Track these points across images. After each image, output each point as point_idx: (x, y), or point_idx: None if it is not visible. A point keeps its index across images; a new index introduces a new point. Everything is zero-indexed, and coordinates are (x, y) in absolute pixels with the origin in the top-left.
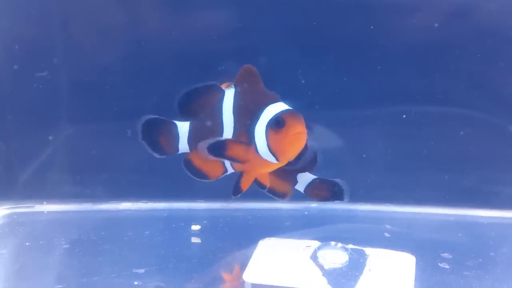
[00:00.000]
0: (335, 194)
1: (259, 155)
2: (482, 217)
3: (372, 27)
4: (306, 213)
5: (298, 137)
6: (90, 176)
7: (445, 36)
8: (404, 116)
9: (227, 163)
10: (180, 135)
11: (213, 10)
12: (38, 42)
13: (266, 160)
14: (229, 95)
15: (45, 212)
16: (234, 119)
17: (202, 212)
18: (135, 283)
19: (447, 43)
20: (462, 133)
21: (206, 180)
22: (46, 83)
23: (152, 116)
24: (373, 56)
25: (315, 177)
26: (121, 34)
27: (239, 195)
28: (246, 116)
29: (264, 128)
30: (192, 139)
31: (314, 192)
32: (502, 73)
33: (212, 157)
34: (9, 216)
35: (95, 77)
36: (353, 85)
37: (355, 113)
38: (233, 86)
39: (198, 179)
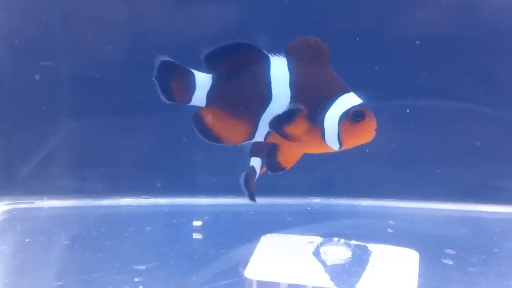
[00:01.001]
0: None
1: (322, 139)
2: (486, 212)
3: (376, 20)
4: (308, 208)
5: (372, 133)
6: (90, 171)
7: (449, 30)
8: (408, 110)
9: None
10: (197, 86)
11: (217, 3)
12: (39, 35)
13: (325, 145)
14: (279, 64)
15: (45, 207)
16: (291, 94)
17: (204, 208)
18: (136, 279)
19: (452, 36)
20: (466, 127)
21: (218, 144)
22: (46, 78)
23: (168, 59)
24: (377, 50)
25: None
26: (123, 28)
27: (281, 173)
28: (311, 97)
29: (338, 116)
30: (215, 94)
31: None
32: (507, 67)
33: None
34: (9, 212)
35: (96, 71)
36: (356, 79)
37: None
38: (284, 54)
39: (207, 140)
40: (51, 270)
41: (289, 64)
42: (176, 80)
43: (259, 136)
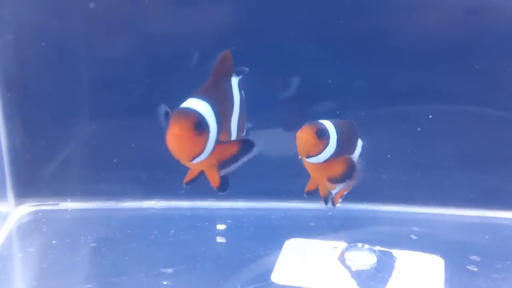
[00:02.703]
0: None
1: None
2: (508, 219)
3: (396, 24)
4: (330, 213)
5: (169, 137)
6: (114, 173)
7: (471, 35)
8: (431, 116)
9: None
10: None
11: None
12: (63, 38)
13: None
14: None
15: (69, 209)
16: None
17: (226, 211)
18: (164, 283)
19: (473, 41)
20: (487, 133)
21: None
22: (70, 80)
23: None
24: (399, 55)
25: None
26: (145, 30)
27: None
28: None
29: None
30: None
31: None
32: None
33: None
34: (34, 213)
35: (120, 73)
36: (379, 84)
37: (380, 112)
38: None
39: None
40: (79, 272)
41: None
42: None
43: None
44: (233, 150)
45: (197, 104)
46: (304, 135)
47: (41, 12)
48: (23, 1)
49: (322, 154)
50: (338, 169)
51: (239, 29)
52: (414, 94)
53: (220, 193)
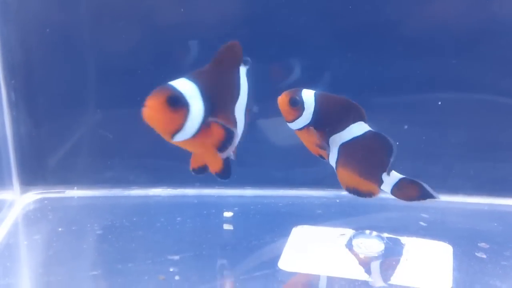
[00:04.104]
0: (424, 193)
1: None
2: None
3: (407, 13)
4: (337, 201)
5: (143, 109)
6: (119, 161)
7: (482, 23)
8: (440, 103)
9: None
10: None
11: None
12: (69, 26)
13: None
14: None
15: (76, 197)
16: None
17: (232, 199)
18: (171, 269)
19: (483, 29)
20: (496, 121)
21: None
22: (76, 68)
23: None
24: (408, 43)
25: (401, 176)
26: (151, 19)
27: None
28: None
29: None
30: None
31: (402, 192)
32: None
33: None
34: (40, 201)
35: (126, 61)
36: (387, 72)
37: (389, 100)
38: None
39: None
40: (85, 259)
41: None
42: None
43: None
44: (219, 133)
45: (181, 83)
46: (280, 100)
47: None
48: None
49: (294, 122)
50: None
51: (247, 19)
52: (424, 82)
53: (220, 180)
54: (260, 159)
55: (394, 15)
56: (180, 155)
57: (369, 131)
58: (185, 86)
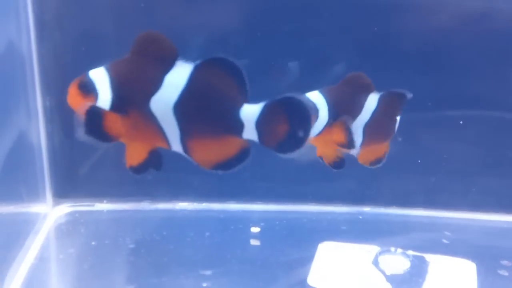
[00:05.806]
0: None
1: None
2: None
3: (433, 30)
4: (360, 217)
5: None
6: (148, 175)
7: (504, 42)
8: (461, 122)
9: None
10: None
11: None
12: (101, 43)
13: None
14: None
15: (105, 210)
16: None
17: (258, 214)
18: (204, 284)
19: (505, 49)
20: None
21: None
22: None
23: None
24: (430, 60)
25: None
26: (156, 20)
27: None
28: None
29: None
30: None
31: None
32: None
33: None
34: (71, 214)
35: None
36: (410, 89)
37: (411, 117)
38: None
39: None
40: (120, 273)
41: None
42: None
43: None
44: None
45: (94, 71)
46: None
47: (82, 16)
48: (65, 6)
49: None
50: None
51: (247, 19)
52: (444, 99)
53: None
54: (284, 173)
55: (417, 31)
56: (204, 170)
57: (381, 96)
58: (98, 75)
